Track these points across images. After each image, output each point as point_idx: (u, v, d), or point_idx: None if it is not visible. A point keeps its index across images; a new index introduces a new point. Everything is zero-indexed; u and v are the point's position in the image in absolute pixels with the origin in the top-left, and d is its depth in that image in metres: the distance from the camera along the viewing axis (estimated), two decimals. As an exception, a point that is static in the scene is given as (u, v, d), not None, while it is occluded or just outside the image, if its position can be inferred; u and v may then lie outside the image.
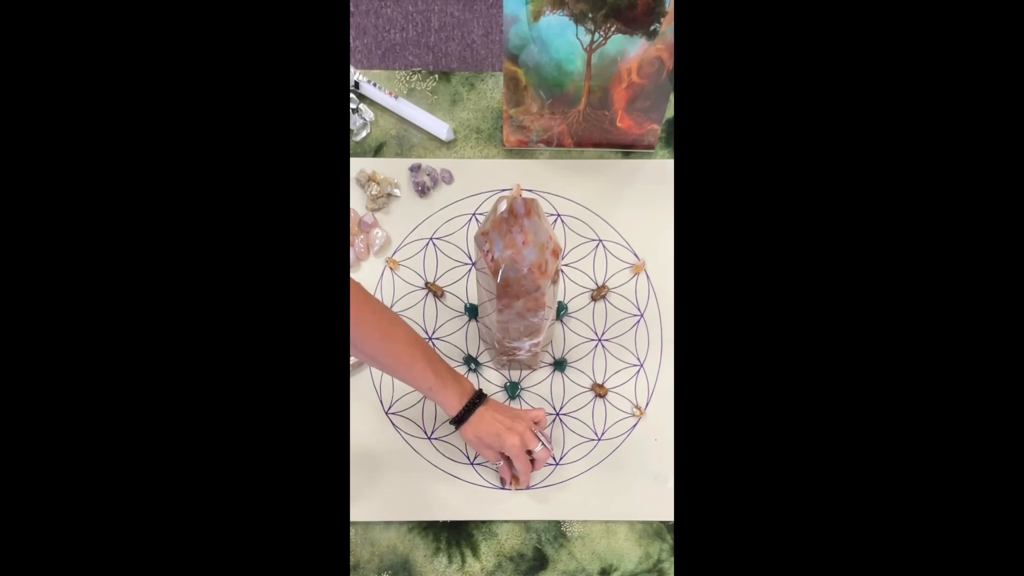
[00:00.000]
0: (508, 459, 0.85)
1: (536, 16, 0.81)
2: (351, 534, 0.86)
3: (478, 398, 0.83)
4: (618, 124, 0.95)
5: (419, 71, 1.02)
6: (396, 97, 1.00)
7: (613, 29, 0.82)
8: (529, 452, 0.84)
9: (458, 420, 0.82)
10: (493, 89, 1.01)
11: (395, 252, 0.95)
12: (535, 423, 0.85)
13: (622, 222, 0.96)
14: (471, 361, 0.92)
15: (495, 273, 0.71)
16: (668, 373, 0.92)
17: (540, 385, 0.92)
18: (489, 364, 0.92)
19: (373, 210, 0.96)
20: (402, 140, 0.99)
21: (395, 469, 0.88)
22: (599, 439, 0.90)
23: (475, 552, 0.87)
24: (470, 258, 0.95)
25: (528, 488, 0.88)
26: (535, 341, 0.84)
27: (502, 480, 0.88)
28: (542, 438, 0.84)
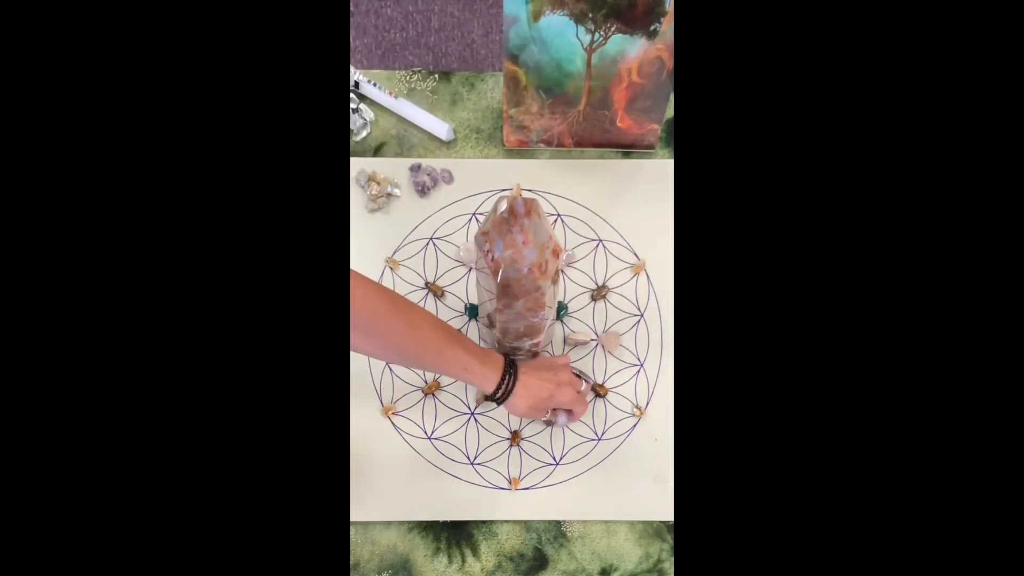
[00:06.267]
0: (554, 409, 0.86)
1: (536, 16, 0.81)
2: (351, 534, 0.86)
3: (513, 366, 0.79)
4: (618, 124, 0.95)
5: (419, 71, 1.02)
6: (396, 97, 1.00)
7: (613, 29, 0.82)
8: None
9: (503, 395, 0.78)
10: (493, 89, 1.01)
11: (395, 252, 0.95)
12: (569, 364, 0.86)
13: (622, 222, 0.96)
14: (471, 361, 0.92)
15: (495, 273, 0.71)
16: (668, 373, 0.92)
17: (540, 385, 0.92)
18: (489, 364, 0.92)
19: (373, 210, 0.96)
20: (402, 140, 0.99)
21: (395, 469, 0.88)
22: (599, 439, 0.90)
23: (475, 552, 0.87)
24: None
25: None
26: (535, 341, 0.84)
27: (548, 423, 0.89)
28: (583, 375, 0.86)
